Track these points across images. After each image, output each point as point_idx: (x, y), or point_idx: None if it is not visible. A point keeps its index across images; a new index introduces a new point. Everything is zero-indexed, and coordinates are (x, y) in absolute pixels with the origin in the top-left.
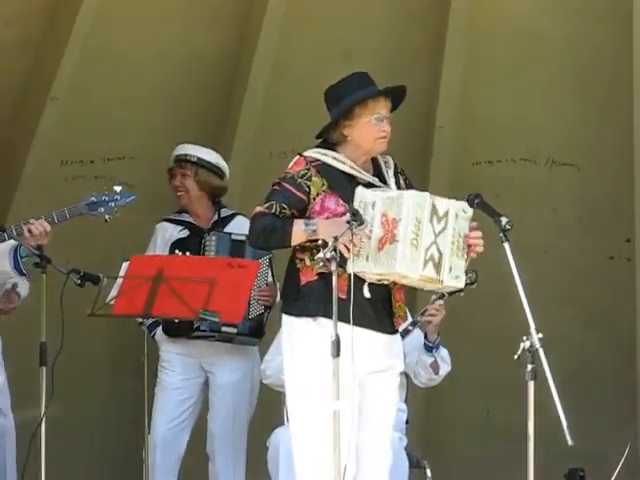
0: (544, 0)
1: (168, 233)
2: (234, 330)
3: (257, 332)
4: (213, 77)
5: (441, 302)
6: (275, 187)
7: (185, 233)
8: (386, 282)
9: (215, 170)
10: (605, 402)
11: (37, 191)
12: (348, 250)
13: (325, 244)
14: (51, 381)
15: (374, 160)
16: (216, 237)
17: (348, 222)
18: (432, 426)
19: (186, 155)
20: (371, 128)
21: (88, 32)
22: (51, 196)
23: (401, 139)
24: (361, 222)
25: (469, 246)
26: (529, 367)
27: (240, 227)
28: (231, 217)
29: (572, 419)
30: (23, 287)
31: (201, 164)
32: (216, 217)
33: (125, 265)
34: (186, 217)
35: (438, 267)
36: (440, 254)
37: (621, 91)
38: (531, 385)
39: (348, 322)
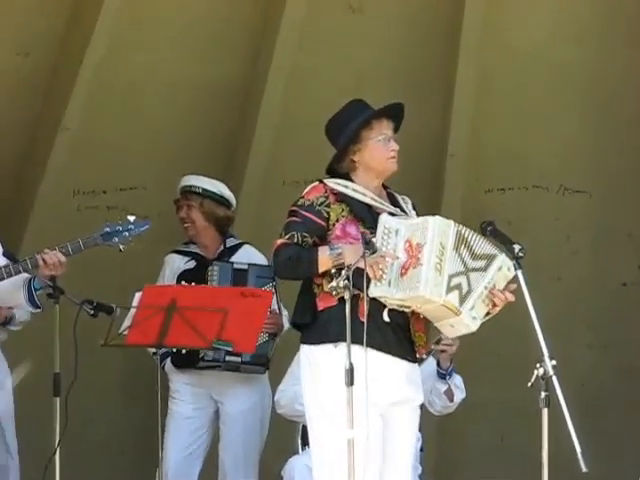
0: (556, 29)
1: (176, 265)
2: (238, 359)
3: (262, 361)
4: (226, 106)
5: None
6: (293, 217)
7: (192, 264)
8: (406, 309)
9: (220, 200)
10: (619, 429)
11: (49, 222)
12: (374, 275)
13: (337, 273)
14: (65, 412)
15: (391, 195)
16: (218, 267)
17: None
18: (447, 453)
19: (191, 187)
20: (380, 148)
21: (99, 62)
22: (63, 227)
23: (413, 168)
24: (374, 251)
25: (493, 303)
26: (543, 394)
27: (247, 256)
28: (238, 247)
29: (586, 446)
30: (22, 313)
31: (206, 195)
32: (222, 247)
33: (138, 295)
34: (193, 248)
35: (463, 299)
36: (469, 289)
37: (633, 115)
38: (545, 412)
39: (368, 346)
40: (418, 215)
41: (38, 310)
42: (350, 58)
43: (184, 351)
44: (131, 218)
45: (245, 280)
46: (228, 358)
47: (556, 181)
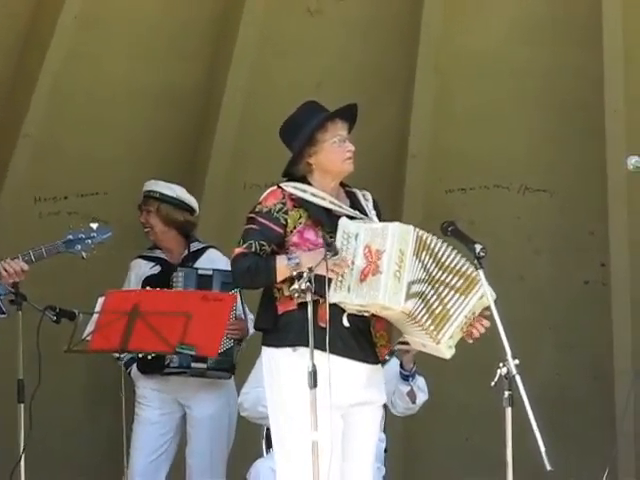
0: (513, 31)
1: (141, 270)
2: (204, 365)
3: (227, 366)
4: (186, 111)
5: None
6: (251, 225)
7: (157, 269)
8: (366, 314)
9: (179, 205)
10: (583, 427)
11: (11, 228)
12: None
13: (299, 275)
14: (29, 418)
15: (351, 194)
16: (182, 273)
17: (324, 253)
18: (411, 454)
19: (149, 192)
20: (336, 150)
21: (59, 68)
22: (25, 233)
23: (374, 169)
24: (335, 252)
25: (470, 332)
26: (506, 394)
27: (211, 260)
28: (202, 251)
29: (550, 445)
30: None
31: (164, 199)
32: (186, 252)
33: (101, 300)
34: (158, 253)
35: (439, 324)
36: (448, 314)
37: (593, 117)
38: (508, 412)
39: (330, 352)
40: (379, 212)
41: (3, 316)
42: (310, 61)
43: (150, 357)
44: (94, 225)
45: (210, 285)
46: (194, 365)
47: (517, 180)
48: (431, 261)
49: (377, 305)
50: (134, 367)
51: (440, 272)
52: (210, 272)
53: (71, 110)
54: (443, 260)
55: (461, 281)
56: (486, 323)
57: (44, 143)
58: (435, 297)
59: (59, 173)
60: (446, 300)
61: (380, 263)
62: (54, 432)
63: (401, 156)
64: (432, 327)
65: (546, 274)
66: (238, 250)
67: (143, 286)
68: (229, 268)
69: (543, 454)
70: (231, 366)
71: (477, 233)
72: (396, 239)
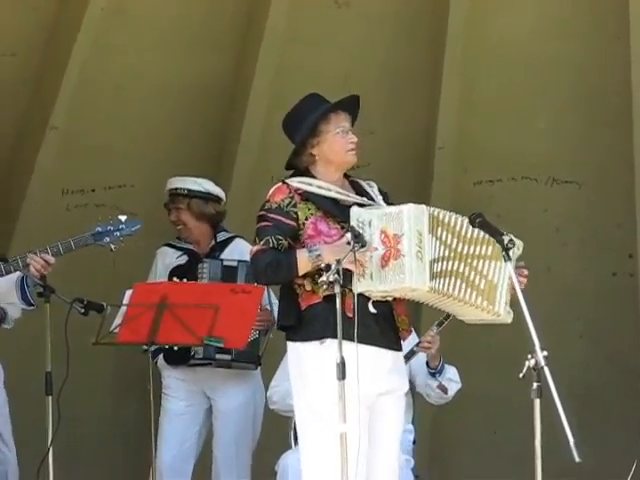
0: (540, 24)
1: (168, 259)
2: (229, 357)
3: (252, 358)
4: (213, 103)
5: (433, 333)
6: (263, 222)
7: (184, 259)
8: (390, 299)
9: (208, 197)
10: (611, 418)
11: (38, 221)
12: (358, 271)
13: (327, 268)
14: (57, 411)
15: (355, 183)
16: (208, 264)
17: (349, 243)
18: (439, 446)
19: (176, 189)
20: (339, 140)
21: (85, 61)
22: (53, 226)
23: (402, 161)
24: (363, 244)
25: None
26: (534, 385)
27: (239, 250)
28: (229, 240)
29: (579, 436)
30: (14, 310)
31: (192, 195)
32: (213, 242)
33: (128, 293)
34: (185, 244)
35: (490, 296)
36: (494, 281)
37: (620, 106)
38: (537, 403)
39: (353, 340)
40: (385, 197)
41: (32, 308)
42: (336, 53)
43: (176, 348)
44: (122, 218)
45: (234, 276)
46: (218, 356)
47: (545, 172)
48: (451, 236)
49: (404, 288)
50: (160, 357)
51: (465, 246)
52: (235, 263)
53: (98, 103)
54: (463, 233)
55: (490, 248)
56: (525, 272)
57: (71, 136)
58: (473, 273)
59: (86, 166)
60: (485, 271)
61: (401, 247)
62: (82, 425)
63: (428, 149)
64: (485, 302)
65: (574, 266)
66: (256, 248)
67: (170, 276)
68: None
69: (572, 446)
70: (256, 358)
71: (505, 225)
72: (412, 221)
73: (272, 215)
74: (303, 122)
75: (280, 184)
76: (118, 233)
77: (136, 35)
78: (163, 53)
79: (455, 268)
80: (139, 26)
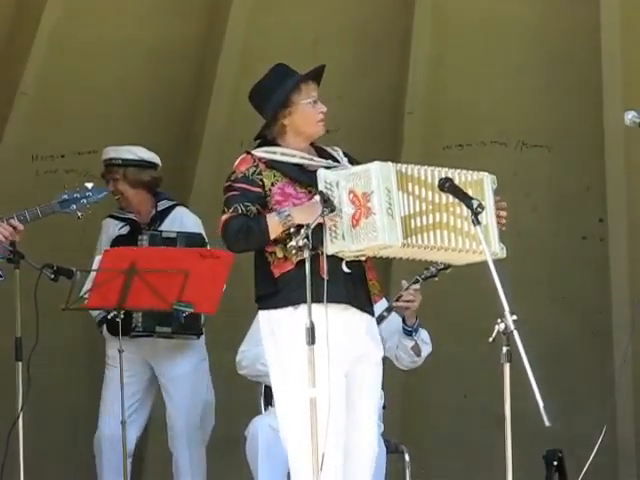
0: None
1: (111, 230)
2: (169, 330)
3: (193, 329)
4: (183, 66)
5: (417, 287)
6: (230, 192)
7: (126, 229)
8: (362, 258)
9: (142, 164)
10: (582, 383)
11: (8, 187)
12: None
13: (296, 232)
14: (27, 376)
15: (319, 149)
16: (147, 236)
17: (321, 210)
18: (409, 411)
19: (111, 159)
20: (310, 111)
21: (54, 26)
22: (23, 192)
23: (371, 125)
24: (332, 209)
25: (499, 217)
26: (504, 349)
27: (179, 218)
28: (170, 209)
29: (549, 401)
30: None
31: (127, 164)
32: (154, 211)
33: (98, 258)
34: (128, 213)
35: (488, 238)
36: (484, 222)
37: (590, 71)
38: (506, 367)
39: (331, 302)
40: (350, 158)
41: (1, 279)
42: (306, 18)
43: (117, 319)
44: (89, 185)
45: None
46: (158, 328)
47: (514, 136)
48: (424, 190)
49: (376, 246)
50: (104, 327)
51: (443, 195)
52: (174, 235)
53: (68, 68)
54: (436, 183)
55: (470, 190)
56: (504, 204)
57: (40, 101)
58: (459, 219)
59: (56, 131)
60: (488, 219)
61: (370, 205)
62: (52, 390)
63: (398, 113)
64: (475, 244)
65: (544, 230)
66: (225, 217)
67: (112, 246)
68: (197, 225)
69: (542, 410)
70: (198, 328)
71: None
72: (380, 179)
73: (238, 185)
74: (273, 94)
75: (245, 155)
76: (85, 201)
77: (106, 1)
78: (133, 18)
79: (437, 220)
80: None
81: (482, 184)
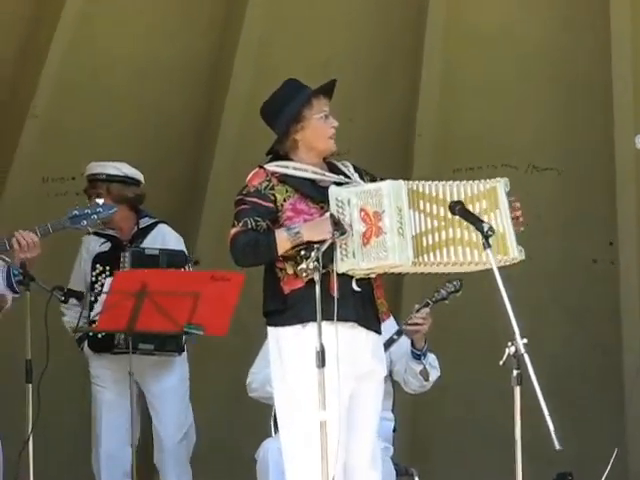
0: (521, 8)
1: (91, 246)
2: (151, 347)
3: (175, 347)
4: (194, 88)
5: (427, 310)
6: (241, 206)
7: (107, 246)
8: (373, 275)
9: (127, 181)
10: (592, 405)
11: (19, 209)
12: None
13: (306, 255)
14: (37, 398)
15: (330, 164)
16: (129, 253)
17: (332, 233)
18: (420, 434)
19: (95, 175)
20: (322, 126)
21: (66, 49)
22: (33, 214)
23: (381, 148)
24: (343, 232)
25: (516, 219)
26: (514, 373)
27: (161, 236)
28: (152, 226)
29: (559, 423)
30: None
31: (112, 179)
32: (136, 228)
33: (109, 280)
34: (109, 230)
35: (505, 247)
36: (496, 231)
37: (600, 94)
38: (517, 390)
39: (339, 320)
40: (360, 173)
41: (16, 295)
42: (318, 40)
43: (100, 336)
44: (99, 201)
45: (156, 265)
46: (141, 346)
47: (525, 160)
48: (436, 206)
49: (387, 265)
50: (85, 345)
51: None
52: (157, 252)
53: (78, 90)
54: (448, 199)
55: (479, 203)
56: (518, 205)
57: (52, 123)
58: (470, 232)
59: (67, 153)
60: (503, 223)
61: (382, 224)
62: (61, 413)
63: (408, 136)
64: (501, 254)
65: (554, 253)
66: (234, 230)
67: (93, 263)
68: (179, 243)
69: (552, 433)
70: (179, 346)
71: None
72: (392, 197)
73: (250, 198)
74: (284, 108)
75: (257, 169)
76: (95, 216)
77: (117, 20)
78: (144, 37)
79: (451, 236)
80: (119, 11)
81: (495, 192)
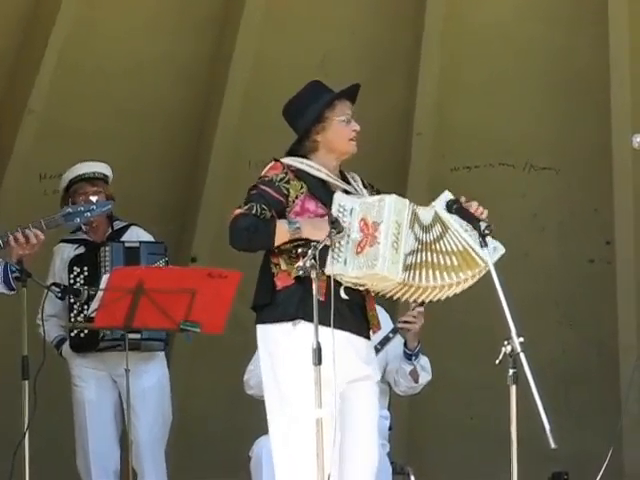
0: (520, 6)
1: (65, 253)
2: (138, 335)
3: (162, 336)
4: (192, 88)
5: (420, 309)
6: (253, 190)
7: (81, 250)
8: (361, 288)
9: (108, 181)
10: (588, 404)
11: (16, 205)
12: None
13: (304, 253)
14: (34, 394)
15: (343, 174)
16: (110, 247)
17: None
18: (416, 432)
19: (94, 172)
20: (344, 128)
21: (64, 44)
22: (30, 211)
23: (379, 146)
24: (339, 230)
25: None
26: (511, 372)
27: (136, 236)
28: (125, 228)
29: (555, 422)
30: None
31: (106, 179)
32: (110, 230)
33: (106, 277)
34: (80, 235)
35: (473, 261)
36: (456, 251)
37: (598, 93)
38: (513, 389)
39: (328, 324)
40: (369, 190)
41: (13, 292)
42: (316, 38)
43: (82, 334)
44: (94, 199)
45: (137, 257)
46: (131, 336)
47: (522, 158)
48: (422, 232)
49: (375, 276)
50: (65, 346)
51: (427, 234)
52: (137, 244)
53: (76, 86)
54: (428, 224)
55: (438, 225)
56: (475, 204)
57: (49, 119)
58: (441, 255)
59: (64, 150)
60: (448, 247)
61: (377, 234)
62: (58, 409)
63: (406, 134)
64: (468, 272)
65: (551, 252)
66: (238, 211)
67: (70, 266)
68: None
69: (548, 432)
70: (165, 336)
71: None
72: (393, 211)
73: (262, 186)
74: (307, 109)
75: (273, 162)
76: (89, 214)
77: (115, 18)
78: (143, 36)
79: (425, 259)
80: (118, 9)
81: (438, 215)
